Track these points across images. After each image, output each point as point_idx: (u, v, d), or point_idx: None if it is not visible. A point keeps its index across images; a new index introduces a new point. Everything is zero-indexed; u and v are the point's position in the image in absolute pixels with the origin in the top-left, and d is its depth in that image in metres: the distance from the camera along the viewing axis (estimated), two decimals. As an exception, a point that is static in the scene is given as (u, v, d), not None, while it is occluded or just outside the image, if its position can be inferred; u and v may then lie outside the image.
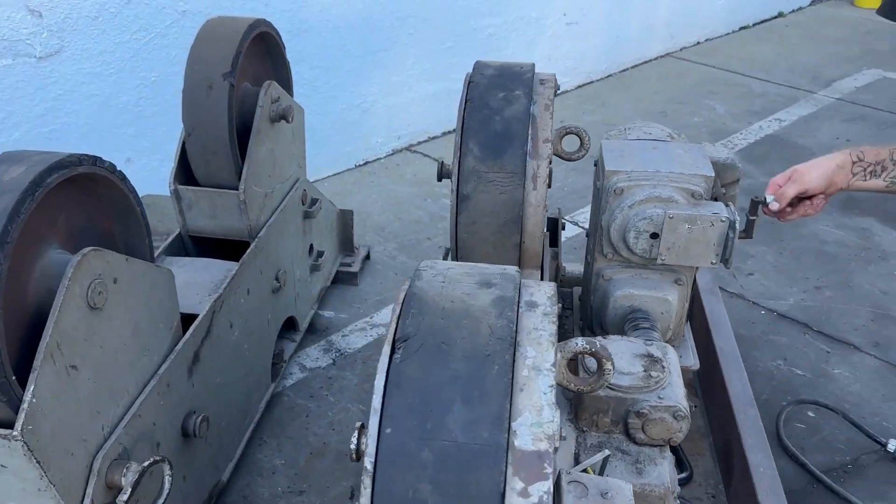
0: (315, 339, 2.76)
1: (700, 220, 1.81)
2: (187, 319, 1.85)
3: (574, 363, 1.53)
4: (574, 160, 1.84)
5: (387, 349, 0.95)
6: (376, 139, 4.09)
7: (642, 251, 1.88)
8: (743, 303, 3.00)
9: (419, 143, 4.30)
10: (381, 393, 0.92)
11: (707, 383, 2.28)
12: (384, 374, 0.93)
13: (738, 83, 5.20)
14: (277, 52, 2.39)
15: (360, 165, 4.05)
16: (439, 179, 1.98)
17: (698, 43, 5.97)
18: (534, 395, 0.88)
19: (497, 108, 1.71)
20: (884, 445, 2.28)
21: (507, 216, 1.67)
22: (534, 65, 1.85)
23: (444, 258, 2.22)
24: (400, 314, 0.99)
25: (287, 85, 2.46)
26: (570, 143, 1.96)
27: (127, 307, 1.55)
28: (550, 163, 1.70)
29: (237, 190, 2.13)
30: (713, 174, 1.87)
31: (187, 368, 1.81)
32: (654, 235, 1.85)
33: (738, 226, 1.81)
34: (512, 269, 1.13)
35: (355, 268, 3.06)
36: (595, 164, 1.99)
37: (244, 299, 2.12)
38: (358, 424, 1.12)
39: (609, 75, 5.30)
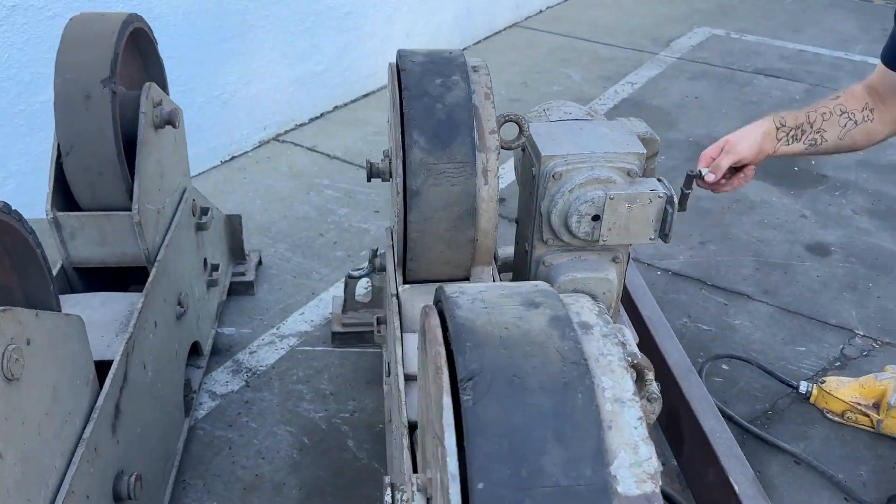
0: (220, 360, 2.53)
1: (639, 198, 1.80)
2: (99, 367, 1.60)
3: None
4: (513, 148, 1.77)
5: (447, 399, 0.83)
6: (241, 132, 3.81)
7: (585, 234, 1.85)
8: (639, 266, 3.08)
9: (287, 131, 4.06)
10: (455, 449, 0.80)
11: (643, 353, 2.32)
12: (453, 425, 0.81)
13: (586, 49, 5.34)
14: (151, 49, 2.11)
15: (226, 161, 3.75)
16: (369, 179, 1.83)
17: (541, 11, 6.07)
18: (624, 432, 0.80)
19: (437, 95, 1.59)
20: (795, 388, 2.43)
21: (462, 209, 1.57)
22: (462, 51, 1.74)
23: (372, 260, 2.08)
24: (449, 352, 0.87)
25: (164, 85, 2.19)
26: (506, 131, 1.88)
27: (44, 370, 1.30)
28: (499, 154, 1.62)
29: (130, 211, 1.86)
30: (644, 151, 1.87)
31: (111, 425, 1.57)
32: (596, 217, 1.83)
33: (675, 200, 1.82)
34: (543, 284, 1.04)
35: (249, 276, 2.83)
36: (523, 150, 1.92)
37: (153, 334, 1.88)
38: (387, 480, 0.99)
39: (464, 48, 5.26)
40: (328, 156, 3.85)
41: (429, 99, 1.59)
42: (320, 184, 3.59)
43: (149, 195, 1.93)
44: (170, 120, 2.00)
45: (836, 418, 2.36)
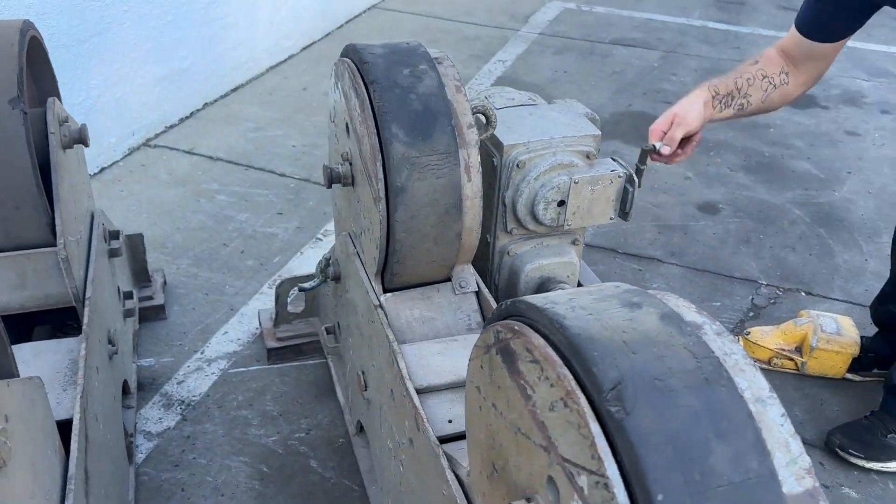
0: (146, 396, 2.30)
1: (601, 179, 1.82)
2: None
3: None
4: (482, 140, 1.71)
5: (595, 426, 0.77)
6: (108, 139, 3.47)
7: (551, 220, 1.84)
8: (553, 241, 3.13)
9: (157, 135, 3.74)
10: (620, 480, 0.75)
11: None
12: (610, 454, 0.76)
13: (451, 30, 5.33)
14: (43, 59, 1.84)
15: (97, 174, 3.40)
16: (329, 185, 1.71)
17: (397, -9, 5.99)
18: (773, 430, 0.79)
19: (408, 86, 1.50)
20: (723, 342, 2.57)
21: (448, 202, 1.50)
22: (420, 42, 1.66)
23: (324, 269, 1.95)
24: (575, 366, 0.81)
25: (59, 99, 1.92)
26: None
27: (23, 448, 1.11)
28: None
29: (55, 246, 1.63)
30: (599, 132, 1.88)
31: (84, 494, 1.37)
32: (561, 203, 1.82)
33: (634, 178, 1.85)
34: (623, 284, 1.00)
35: (158, 299, 2.59)
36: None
37: (97, 381, 1.66)
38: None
39: (327, 34, 5.09)
40: (210, 158, 3.59)
41: (400, 90, 1.50)
42: (209, 189, 3.35)
43: (69, 225, 1.70)
44: (80, 138, 1.76)
45: (764, 365, 2.52)
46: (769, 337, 2.53)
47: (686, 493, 0.74)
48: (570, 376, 0.82)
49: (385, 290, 1.65)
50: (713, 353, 0.84)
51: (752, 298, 2.88)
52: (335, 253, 1.94)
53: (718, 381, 0.81)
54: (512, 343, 0.94)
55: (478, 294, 1.68)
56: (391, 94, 1.49)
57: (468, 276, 1.68)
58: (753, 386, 0.82)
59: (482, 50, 5.00)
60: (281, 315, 2.43)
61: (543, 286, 1.92)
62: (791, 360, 2.50)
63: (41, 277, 1.65)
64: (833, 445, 2.18)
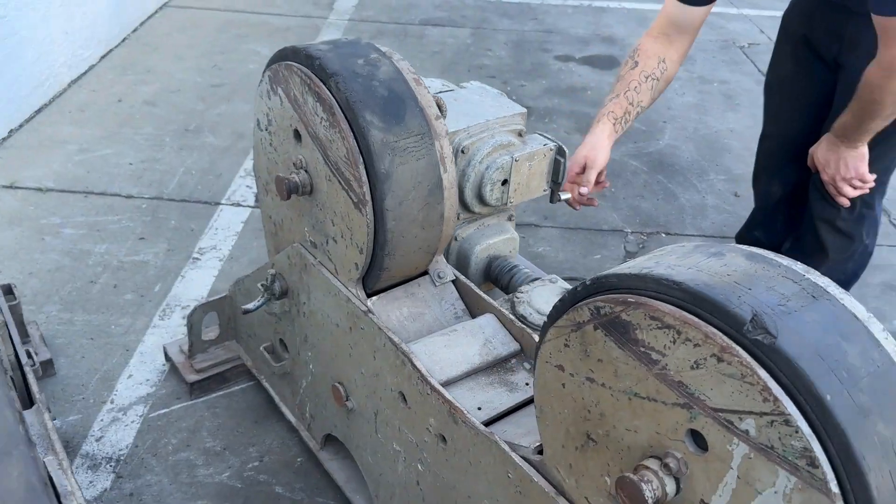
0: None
1: (536, 154, 1.90)
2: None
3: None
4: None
5: (759, 368, 0.84)
6: None
7: (496, 200, 1.89)
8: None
9: (-36, 172, 3.26)
10: (789, 401, 0.83)
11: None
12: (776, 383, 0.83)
13: (257, 23, 5.13)
14: None
15: None
16: (288, 197, 1.62)
17: (183, -12, 5.63)
18: (870, 324, 0.91)
19: (368, 74, 1.47)
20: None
21: (431, 183, 1.49)
22: (358, 37, 1.61)
23: (270, 286, 1.85)
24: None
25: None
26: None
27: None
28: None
29: (-17, 313, 1.40)
30: (524, 109, 1.95)
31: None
32: (505, 182, 1.88)
33: (565, 149, 1.95)
34: (688, 244, 1.07)
35: (44, 353, 2.30)
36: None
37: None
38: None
39: (124, 39, 4.68)
40: (39, 189, 3.20)
41: (362, 79, 1.46)
42: (51, 224, 2.99)
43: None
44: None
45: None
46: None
47: (845, 390, 0.83)
48: (720, 332, 0.88)
49: (368, 295, 1.61)
50: (804, 276, 0.95)
51: (624, 246, 3.15)
52: (279, 268, 1.85)
53: (823, 296, 0.92)
54: (624, 315, 0.99)
55: (454, 282, 1.70)
56: (355, 83, 1.45)
57: (443, 267, 1.69)
58: (838, 293, 0.94)
59: (299, 41, 4.87)
60: (196, 345, 2.26)
61: (491, 264, 1.97)
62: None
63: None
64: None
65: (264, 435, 2.17)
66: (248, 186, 3.36)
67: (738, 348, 0.87)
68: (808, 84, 2.38)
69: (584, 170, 1.95)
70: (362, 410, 1.70)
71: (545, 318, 1.60)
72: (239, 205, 3.23)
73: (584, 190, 1.95)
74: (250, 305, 1.88)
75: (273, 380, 2.16)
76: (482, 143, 1.82)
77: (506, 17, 5.56)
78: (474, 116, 1.84)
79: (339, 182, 1.52)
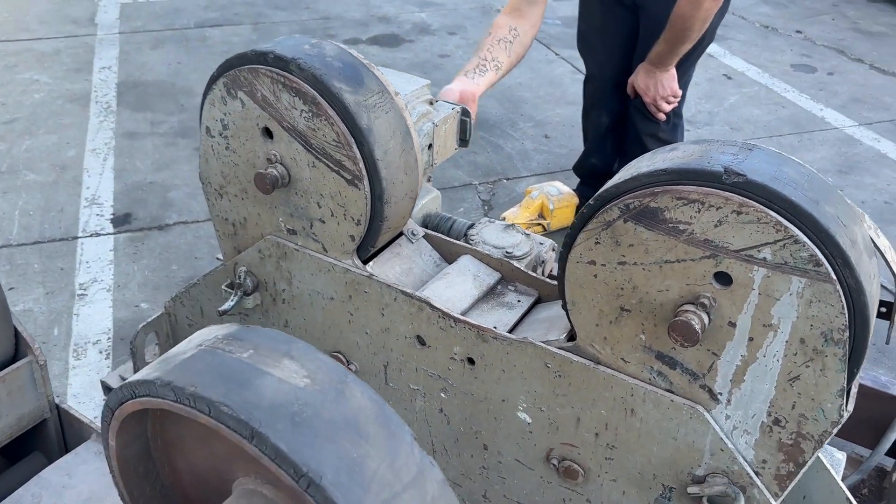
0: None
1: (449, 118, 2.17)
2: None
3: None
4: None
5: (769, 210, 1.21)
6: None
7: (425, 164, 2.14)
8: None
9: None
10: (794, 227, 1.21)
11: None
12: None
13: (19, 50, 4.75)
14: None
15: None
16: (271, 191, 1.73)
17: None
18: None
19: (317, 53, 1.66)
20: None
21: (401, 131, 1.69)
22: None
23: (242, 283, 1.94)
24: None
25: None
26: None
27: None
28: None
29: (27, 358, 1.39)
30: (428, 81, 2.21)
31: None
32: (430, 146, 2.13)
33: (469, 109, 2.24)
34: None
35: (-27, 421, 2.15)
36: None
37: None
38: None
39: None
40: None
41: (318, 57, 1.65)
42: None
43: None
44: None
45: (524, 237, 3.19)
46: (518, 215, 3.20)
47: (808, 198, 1.24)
48: (737, 195, 1.25)
49: (364, 262, 1.80)
50: (735, 142, 1.35)
51: (479, 196, 3.53)
52: (248, 264, 1.95)
53: (755, 148, 1.33)
54: (652, 203, 1.32)
55: (424, 237, 1.94)
56: (317, 60, 1.63)
57: (412, 226, 1.92)
58: (761, 146, 1.35)
59: (76, 62, 4.61)
60: (142, 368, 2.25)
61: (428, 221, 2.22)
62: (539, 224, 3.21)
63: (18, 396, 1.40)
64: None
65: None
66: (98, 215, 3.24)
67: (752, 202, 1.24)
68: (616, 27, 2.89)
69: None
70: (368, 369, 1.89)
71: (502, 249, 1.91)
72: (98, 234, 3.12)
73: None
74: (225, 306, 1.96)
75: (237, 378, 2.23)
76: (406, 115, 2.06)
77: (279, 10, 5.65)
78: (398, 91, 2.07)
79: (327, 165, 1.69)
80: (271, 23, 5.38)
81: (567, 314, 1.55)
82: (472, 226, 2.15)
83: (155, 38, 5.01)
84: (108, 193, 3.35)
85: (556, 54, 5.13)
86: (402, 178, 1.74)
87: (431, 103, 2.15)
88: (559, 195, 3.21)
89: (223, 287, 2.01)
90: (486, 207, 3.44)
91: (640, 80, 2.69)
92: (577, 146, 3.98)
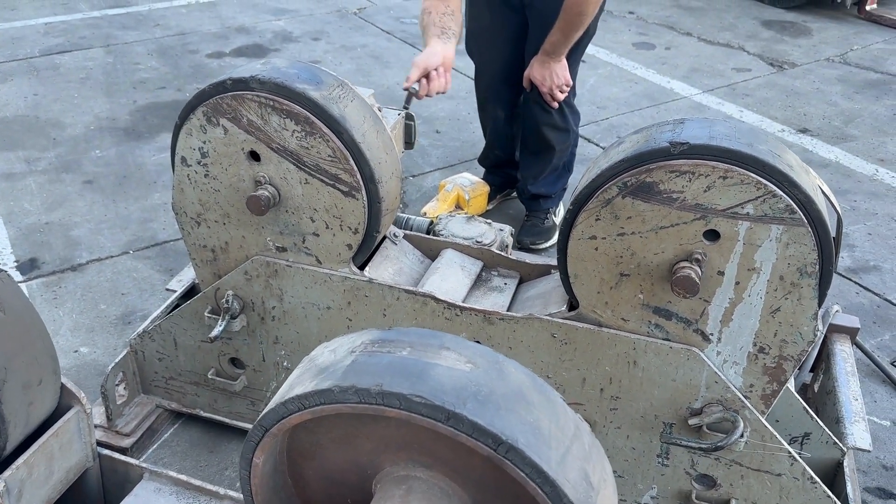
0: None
1: (397, 124, 2.29)
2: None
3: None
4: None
5: (750, 171, 1.45)
6: None
7: (383, 169, 2.23)
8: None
9: None
10: (771, 182, 1.46)
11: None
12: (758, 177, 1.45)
13: None
14: None
15: None
16: (264, 212, 1.76)
17: None
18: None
19: (273, 67, 1.77)
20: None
21: (370, 115, 1.83)
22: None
23: (226, 310, 1.95)
24: None
25: None
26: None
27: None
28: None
29: (75, 409, 1.36)
30: (373, 90, 2.30)
31: None
32: (385, 152, 2.23)
33: (413, 114, 2.36)
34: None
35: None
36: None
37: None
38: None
39: None
40: None
41: (274, 71, 1.73)
42: None
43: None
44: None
45: (445, 229, 3.35)
46: (437, 208, 3.34)
47: (773, 154, 1.49)
48: (726, 165, 1.47)
49: (361, 268, 1.88)
50: (674, 120, 1.59)
51: (390, 196, 3.63)
52: (233, 287, 1.97)
53: (698, 118, 1.58)
54: (647, 178, 1.52)
55: (405, 237, 2.04)
56: (276, 72, 1.72)
57: (394, 229, 2.02)
58: (692, 116, 1.60)
59: (-84, 104, 4.20)
60: (114, 411, 2.20)
61: (387, 224, 2.32)
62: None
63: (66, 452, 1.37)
64: (524, 244, 3.18)
65: (229, 456, 2.25)
66: (1, 264, 3.03)
67: (735, 167, 1.47)
68: (504, 26, 3.08)
69: (425, 73, 2.40)
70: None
71: (472, 239, 2.07)
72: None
73: (415, 86, 2.40)
74: (214, 332, 1.96)
75: (218, 405, 2.23)
76: (365, 125, 2.15)
77: (129, 30, 5.41)
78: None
79: (321, 180, 1.76)
80: (124, 43, 5.14)
81: (568, 287, 1.73)
82: (431, 223, 2.28)
83: (14, 67, 4.65)
84: (4, 240, 3.13)
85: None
86: (384, 157, 1.83)
87: (380, 110, 2.25)
88: (472, 185, 3.39)
89: (206, 314, 2.02)
90: (402, 205, 3.55)
91: (535, 71, 2.91)
92: (468, 138, 4.19)
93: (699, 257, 1.57)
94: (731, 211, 1.52)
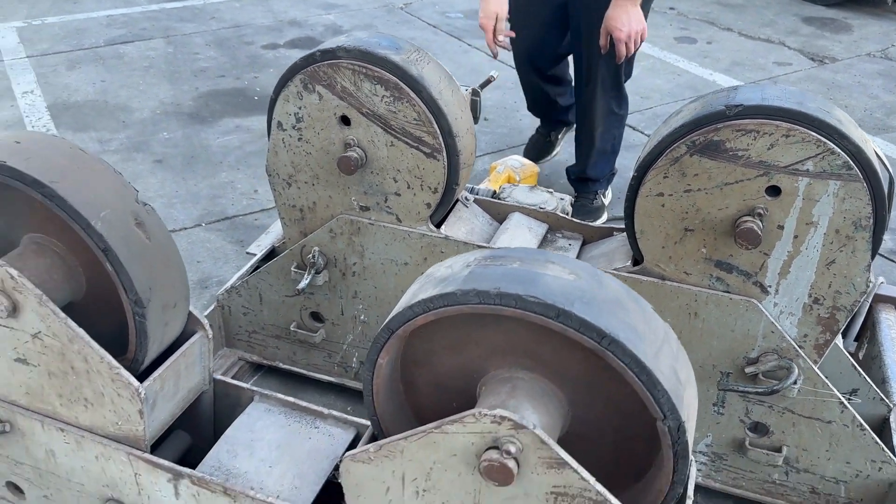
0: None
1: (466, 98, 2.44)
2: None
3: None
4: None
5: (811, 130, 1.57)
6: None
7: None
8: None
9: None
10: (832, 142, 1.58)
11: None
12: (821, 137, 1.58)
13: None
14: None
15: None
16: (354, 171, 1.93)
17: None
18: None
19: (356, 38, 1.94)
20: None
21: (444, 75, 2.02)
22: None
23: (313, 264, 2.11)
24: None
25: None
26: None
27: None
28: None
29: (199, 334, 1.54)
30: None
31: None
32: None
33: (479, 91, 2.51)
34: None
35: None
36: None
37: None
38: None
39: None
40: None
41: (358, 41, 1.92)
42: None
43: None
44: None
45: (497, 209, 3.50)
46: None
47: (831, 116, 1.62)
48: (788, 124, 1.60)
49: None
50: (731, 87, 1.72)
51: (443, 177, 3.79)
52: (319, 244, 2.13)
53: (760, 84, 1.70)
54: (715, 137, 1.66)
55: (475, 201, 2.20)
56: (362, 42, 1.89)
57: (465, 193, 2.17)
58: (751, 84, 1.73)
59: (-8, 89, 4.45)
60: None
61: (454, 193, 2.47)
62: (511, 194, 3.52)
63: (188, 373, 1.54)
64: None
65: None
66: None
67: (797, 126, 1.60)
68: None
69: (497, 19, 2.63)
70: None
71: (535, 206, 2.20)
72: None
73: (500, 37, 2.64)
74: (302, 284, 2.13)
75: (297, 357, 2.40)
76: (438, 97, 2.30)
77: (186, 22, 5.64)
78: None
79: (406, 142, 1.92)
80: (182, 34, 5.37)
81: (634, 243, 1.87)
82: (495, 193, 2.43)
83: (68, 59, 4.88)
84: (85, 212, 3.35)
85: (469, 45, 5.45)
86: (459, 113, 1.99)
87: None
88: (522, 166, 3.53)
89: (293, 269, 2.18)
90: (453, 187, 3.71)
91: (613, 15, 2.86)
92: (515, 125, 4.34)
93: (761, 212, 1.70)
94: (793, 167, 1.65)
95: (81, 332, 1.36)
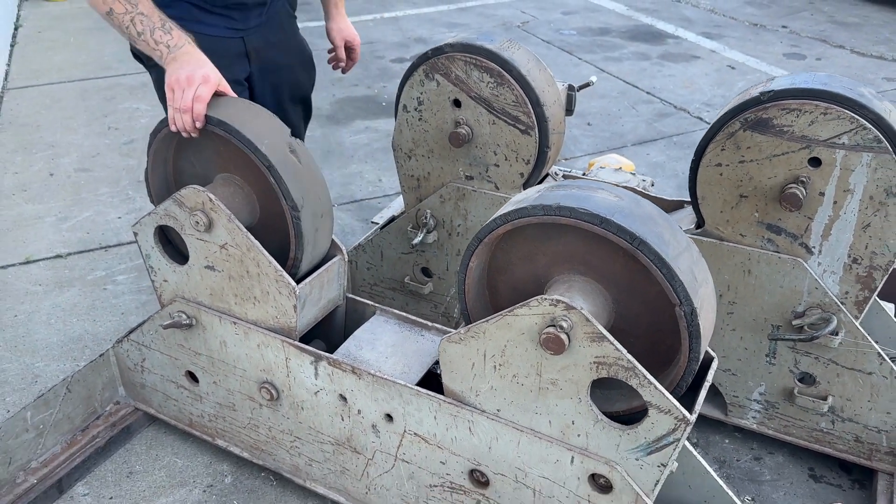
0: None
1: (562, 92, 2.82)
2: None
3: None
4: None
5: (846, 109, 1.87)
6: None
7: (549, 128, 2.78)
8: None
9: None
10: (859, 118, 1.87)
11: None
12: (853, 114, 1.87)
13: (109, 85, 5.35)
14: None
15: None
16: (462, 145, 2.36)
17: None
18: None
19: (463, 37, 2.32)
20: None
21: (533, 58, 2.39)
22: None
23: (425, 225, 2.55)
24: None
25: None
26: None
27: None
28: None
29: (338, 256, 2.01)
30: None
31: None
32: (551, 114, 2.77)
33: (574, 86, 2.89)
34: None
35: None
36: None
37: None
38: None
39: (-4, 125, 4.70)
40: (59, 256, 3.41)
41: (461, 38, 2.30)
42: (99, 277, 3.27)
43: (315, 245, 2.07)
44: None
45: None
46: (588, 183, 3.84)
47: (868, 96, 1.89)
48: (826, 103, 1.90)
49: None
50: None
51: (546, 174, 4.17)
52: (431, 207, 2.57)
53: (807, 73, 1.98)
54: (764, 115, 1.97)
55: (563, 176, 2.58)
56: (464, 38, 2.31)
57: (554, 170, 2.56)
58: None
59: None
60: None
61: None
62: (606, 190, 3.85)
63: (329, 284, 2.02)
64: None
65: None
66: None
67: (834, 105, 1.89)
68: None
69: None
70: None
71: (616, 183, 2.53)
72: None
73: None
74: (416, 240, 2.57)
75: (409, 307, 2.84)
76: (537, 90, 2.71)
77: (323, 38, 6.30)
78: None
79: (505, 121, 2.33)
80: (322, 49, 6.04)
81: (697, 209, 2.19)
82: (584, 173, 2.79)
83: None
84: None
85: (580, 59, 5.83)
86: (546, 87, 2.37)
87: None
88: (619, 164, 3.86)
89: (408, 229, 2.63)
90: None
91: None
92: (617, 130, 4.66)
93: (804, 180, 1.99)
94: (830, 141, 1.93)
95: (257, 243, 1.85)
